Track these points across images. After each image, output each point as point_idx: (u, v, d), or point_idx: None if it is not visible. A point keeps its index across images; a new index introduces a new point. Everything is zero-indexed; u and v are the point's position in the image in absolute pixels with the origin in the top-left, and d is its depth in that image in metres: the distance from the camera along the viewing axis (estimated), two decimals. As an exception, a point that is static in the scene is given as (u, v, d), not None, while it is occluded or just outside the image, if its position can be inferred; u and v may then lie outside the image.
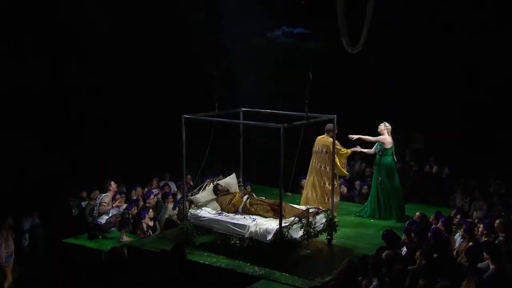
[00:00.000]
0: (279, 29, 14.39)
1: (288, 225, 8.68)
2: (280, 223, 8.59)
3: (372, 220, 10.96)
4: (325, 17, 12.52)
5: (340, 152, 10.56)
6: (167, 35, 13.63)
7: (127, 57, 13.33)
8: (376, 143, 10.95)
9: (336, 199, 10.57)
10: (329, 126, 10.43)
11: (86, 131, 13.33)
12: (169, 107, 12.20)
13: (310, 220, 8.92)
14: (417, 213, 9.30)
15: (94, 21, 12.48)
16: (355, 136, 10.87)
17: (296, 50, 14.06)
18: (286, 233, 8.60)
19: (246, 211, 9.42)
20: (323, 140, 10.62)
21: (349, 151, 10.69)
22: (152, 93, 14.05)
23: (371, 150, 11.06)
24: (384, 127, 10.90)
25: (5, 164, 11.89)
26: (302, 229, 8.79)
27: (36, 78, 12.50)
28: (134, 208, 10.93)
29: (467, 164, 13.44)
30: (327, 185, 10.49)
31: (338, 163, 10.50)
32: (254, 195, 9.87)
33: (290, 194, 11.79)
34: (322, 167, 10.61)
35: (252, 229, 8.86)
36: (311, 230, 8.93)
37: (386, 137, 10.86)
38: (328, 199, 10.33)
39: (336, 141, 10.30)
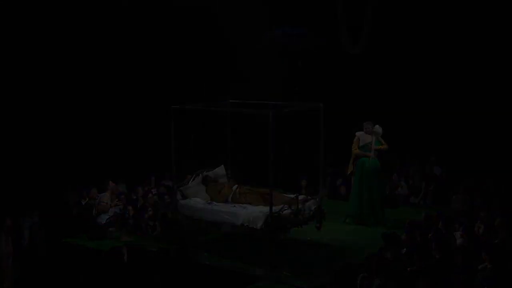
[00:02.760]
0: (279, 29, 14.38)
1: (278, 211, 8.77)
2: (271, 209, 8.66)
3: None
4: (324, 17, 12.53)
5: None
6: (165, 34, 13.62)
7: (126, 55, 13.31)
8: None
9: None
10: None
11: (85, 131, 13.28)
12: (170, 107, 12.17)
13: (299, 207, 9.01)
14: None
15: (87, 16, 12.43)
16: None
17: (294, 50, 14.06)
18: (276, 219, 8.68)
19: (235, 201, 9.54)
20: None
21: (357, 151, 10.61)
22: (153, 92, 14.01)
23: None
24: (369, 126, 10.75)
25: (5, 164, 11.86)
26: (292, 215, 8.91)
27: (35, 76, 12.48)
28: (133, 207, 10.92)
29: (468, 164, 13.41)
30: None
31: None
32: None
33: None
34: None
35: (243, 216, 8.95)
36: (300, 217, 9.07)
37: (361, 133, 10.72)
38: None
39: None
